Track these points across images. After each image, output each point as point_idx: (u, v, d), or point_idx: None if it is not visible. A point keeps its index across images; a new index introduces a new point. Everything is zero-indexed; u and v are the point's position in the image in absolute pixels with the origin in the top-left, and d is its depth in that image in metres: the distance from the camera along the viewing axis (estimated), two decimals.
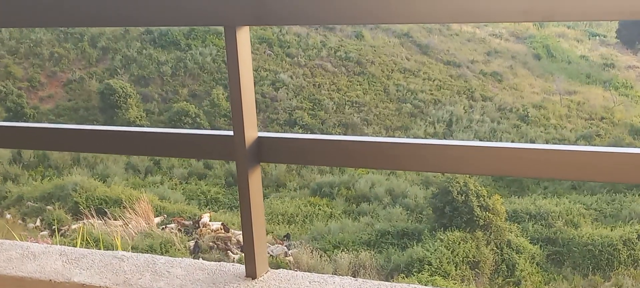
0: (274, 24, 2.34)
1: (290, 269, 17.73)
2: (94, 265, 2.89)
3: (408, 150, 2.40)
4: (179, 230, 19.27)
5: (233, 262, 17.70)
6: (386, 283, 2.58)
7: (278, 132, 32.07)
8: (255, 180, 2.49)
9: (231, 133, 2.48)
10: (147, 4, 2.44)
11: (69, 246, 3.30)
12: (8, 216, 20.19)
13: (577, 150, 2.20)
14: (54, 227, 18.44)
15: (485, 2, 1.97)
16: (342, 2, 2.18)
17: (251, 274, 2.62)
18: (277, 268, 2.72)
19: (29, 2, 2.59)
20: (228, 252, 18.61)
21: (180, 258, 2.90)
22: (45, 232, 18.20)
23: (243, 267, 2.67)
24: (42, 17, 2.64)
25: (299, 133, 31.16)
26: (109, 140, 2.82)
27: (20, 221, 19.98)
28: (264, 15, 2.27)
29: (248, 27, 2.37)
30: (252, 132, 2.45)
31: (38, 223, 19.75)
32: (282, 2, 2.25)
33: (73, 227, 18.58)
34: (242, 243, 15.58)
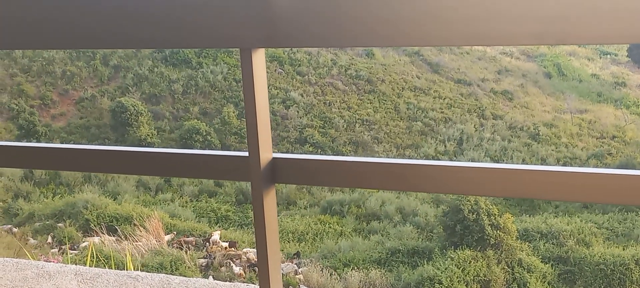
0: (290, 46, 2.36)
1: (301, 287, 17.70)
2: (108, 285, 2.91)
3: (420, 171, 2.41)
4: (181, 248, 19.26)
5: (243, 280, 17.68)
6: None
7: (289, 149, 32.12)
8: (270, 201, 2.50)
9: (246, 154, 2.49)
10: (163, 25, 2.46)
11: (82, 265, 3.32)
12: (15, 230, 20.26)
13: (590, 172, 2.20)
14: (64, 244, 18.52)
15: (499, 26, 1.98)
16: (355, 26, 2.19)
17: None
18: (287, 287, 2.72)
19: (44, 23, 2.62)
20: (234, 268, 18.59)
21: (194, 279, 2.91)
22: (55, 249, 18.25)
23: (257, 286, 2.67)
24: (56, 39, 2.66)
25: (309, 151, 31.18)
26: (124, 161, 2.83)
27: (31, 238, 20.04)
28: (280, 37, 2.29)
29: (263, 49, 2.39)
30: (267, 153, 2.47)
31: (49, 240, 19.80)
32: (297, 25, 2.27)
33: (83, 244, 18.63)
34: (251, 261, 15.61)
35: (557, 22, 1.91)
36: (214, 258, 19.03)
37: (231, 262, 18.91)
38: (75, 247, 18.87)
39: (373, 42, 2.21)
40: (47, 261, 9.09)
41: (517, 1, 1.94)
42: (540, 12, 1.92)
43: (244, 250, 19.79)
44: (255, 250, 19.71)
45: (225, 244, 19.84)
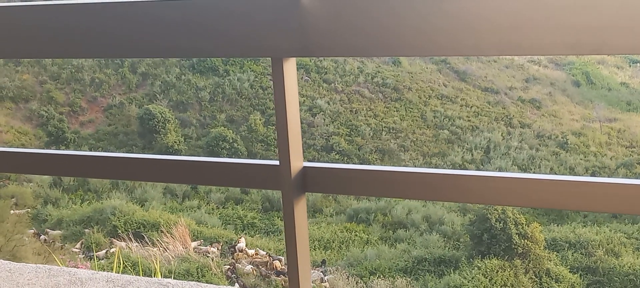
0: (321, 55, 2.37)
1: None
2: None
3: (450, 181, 2.40)
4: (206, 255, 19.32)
5: (254, 278, 17.72)
6: None
7: (315, 157, 32.13)
8: (300, 209, 2.50)
9: (277, 162, 2.50)
10: (194, 35, 2.47)
11: (113, 272, 3.34)
12: (43, 237, 20.43)
13: (619, 183, 2.17)
14: (92, 251, 18.66)
15: (532, 35, 1.97)
16: (387, 35, 2.19)
17: None
18: None
19: (73, 32, 2.65)
20: (267, 278, 18.61)
21: (224, 287, 2.92)
22: (81, 255, 18.37)
23: None
24: (88, 49, 2.68)
25: (336, 159, 31.17)
26: (154, 169, 2.85)
27: (59, 244, 20.22)
28: (311, 47, 2.29)
29: (295, 58, 2.39)
30: (297, 162, 2.47)
31: (78, 246, 19.97)
32: (329, 35, 2.27)
33: (111, 250, 18.76)
34: (277, 269, 15.63)
35: (591, 32, 1.90)
36: (241, 265, 19.07)
37: (242, 262, 18.95)
38: (101, 253, 19.02)
39: (405, 51, 2.20)
40: (76, 267, 9.18)
41: (551, 11, 1.93)
42: (575, 22, 1.91)
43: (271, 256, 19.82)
44: (281, 257, 19.74)
45: (252, 251, 19.89)
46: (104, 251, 18.79)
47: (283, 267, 18.81)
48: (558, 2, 1.93)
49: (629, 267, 20.83)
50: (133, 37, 2.58)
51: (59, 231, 21.91)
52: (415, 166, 32.27)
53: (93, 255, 16.94)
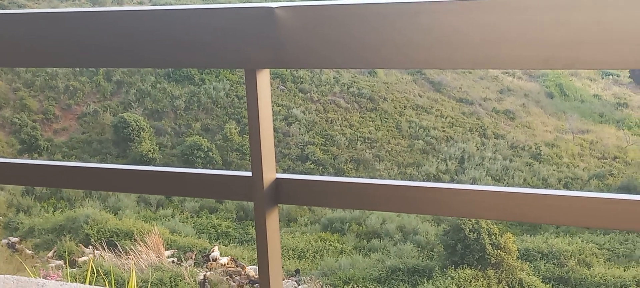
0: (295, 67, 2.36)
1: None
2: None
3: (425, 194, 2.40)
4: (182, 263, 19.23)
5: None
6: None
7: (290, 166, 32.10)
8: (272, 221, 2.49)
9: (249, 174, 2.48)
10: (168, 45, 2.46)
11: (82, 280, 3.30)
12: (27, 251, 20.22)
13: (591, 196, 2.18)
14: (64, 259, 18.48)
15: (506, 50, 1.97)
16: (361, 48, 2.19)
17: None
18: None
19: (47, 42, 2.62)
20: (241, 287, 18.53)
21: None
22: (53, 264, 18.17)
23: None
24: (60, 58, 2.66)
25: (310, 168, 31.16)
26: (125, 179, 2.82)
27: (31, 253, 20.00)
28: (284, 58, 2.28)
29: (268, 69, 2.38)
30: (270, 173, 2.46)
31: (50, 254, 19.77)
32: (303, 46, 2.27)
33: (82, 259, 18.56)
34: (251, 278, 15.57)
35: (564, 47, 1.91)
36: (214, 274, 18.97)
37: (215, 271, 18.87)
38: (74, 261, 18.83)
39: (380, 64, 2.20)
40: (46, 277, 9.06)
41: (525, 26, 1.94)
42: (548, 37, 1.92)
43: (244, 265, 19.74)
44: (255, 267, 19.67)
45: (224, 260, 19.80)
46: (81, 259, 18.60)
47: (256, 276, 18.75)
48: (532, 17, 1.94)
49: (601, 278, 21.01)
50: (108, 47, 2.56)
51: (30, 240, 21.67)
52: (390, 176, 32.33)
53: (66, 264, 16.76)
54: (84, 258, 18.65)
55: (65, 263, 17.58)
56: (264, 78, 2.38)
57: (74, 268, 17.30)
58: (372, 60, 2.19)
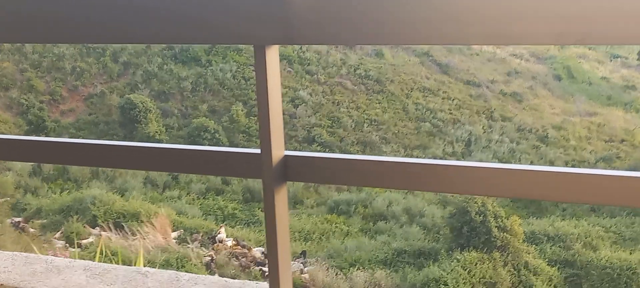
0: (304, 43, 2.35)
1: (307, 287, 17.70)
2: (117, 280, 2.90)
3: (432, 171, 2.40)
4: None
5: (253, 279, 17.70)
6: None
7: (296, 148, 32.10)
8: (281, 199, 2.48)
9: (258, 151, 2.48)
10: (176, 21, 2.45)
11: (91, 260, 3.31)
12: (31, 230, 20.29)
13: (598, 174, 2.18)
14: (72, 240, 18.55)
15: (517, 25, 1.96)
16: (369, 24, 2.18)
17: None
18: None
19: (53, 17, 2.61)
20: (247, 268, 18.60)
21: (203, 276, 2.90)
22: (60, 244, 18.24)
23: (267, 284, 2.66)
24: (66, 34, 2.65)
25: (317, 150, 31.18)
26: (133, 156, 2.82)
27: (39, 233, 20.08)
28: (293, 35, 2.27)
29: (277, 46, 2.37)
30: (279, 150, 2.45)
31: (57, 235, 19.84)
32: (311, 22, 2.26)
33: (85, 241, 18.59)
34: (257, 260, 15.60)
35: (577, 22, 1.89)
36: (220, 255, 19.05)
37: (222, 253, 18.96)
38: (78, 245, 18.91)
39: (388, 40, 2.19)
40: (55, 256, 9.10)
41: (537, 2, 1.92)
42: (561, 11, 1.90)
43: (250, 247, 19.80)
44: (260, 249, 19.73)
45: (230, 242, 19.87)
46: (87, 240, 18.66)
47: (262, 257, 18.81)
48: None
49: (606, 260, 21.01)
50: (113, 23, 2.55)
51: (39, 220, 21.76)
52: (399, 157, 32.27)
53: (74, 244, 16.82)
54: (89, 239, 18.69)
55: (67, 244, 17.64)
56: (272, 55, 2.37)
57: (79, 249, 17.37)
58: (381, 37, 2.18)
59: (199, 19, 2.39)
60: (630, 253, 21.53)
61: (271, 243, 2.54)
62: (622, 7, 1.84)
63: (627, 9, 1.84)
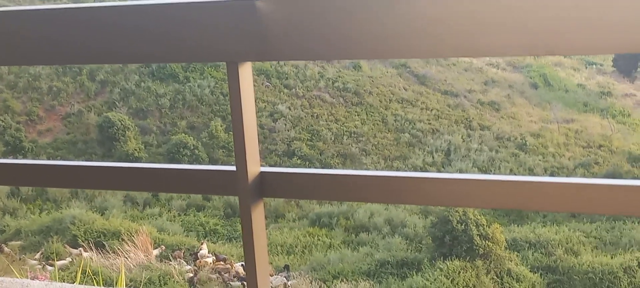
0: (276, 59, 2.35)
1: None
2: None
3: (409, 184, 2.40)
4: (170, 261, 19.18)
5: None
6: None
7: (277, 162, 32.07)
8: (258, 215, 2.48)
9: (233, 168, 2.47)
10: (149, 40, 2.44)
11: (70, 281, 3.28)
12: (6, 249, 20.09)
13: (578, 182, 2.19)
14: (52, 260, 18.36)
15: (488, 38, 1.97)
16: (343, 39, 2.18)
17: None
18: None
19: (27, 40, 2.60)
20: (228, 284, 18.52)
21: None
22: (38, 265, 18.05)
23: None
24: (41, 55, 2.64)
25: (297, 164, 31.16)
26: (109, 176, 2.81)
27: (18, 255, 19.88)
28: (267, 51, 2.27)
29: (250, 62, 2.37)
30: (254, 166, 2.45)
31: (37, 256, 19.65)
32: (284, 38, 2.26)
33: (61, 262, 18.36)
34: (240, 275, 15.55)
35: (546, 33, 1.91)
36: (203, 272, 18.95)
37: (204, 269, 18.89)
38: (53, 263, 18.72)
39: (362, 55, 2.20)
40: (34, 278, 9.01)
41: (505, 13, 1.94)
42: (530, 24, 1.92)
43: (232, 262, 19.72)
44: (243, 263, 19.66)
45: (212, 259, 19.77)
46: (66, 260, 18.48)
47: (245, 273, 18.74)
48: (512, 3, 1.94)
49: (588, 265, 21.13)
50: (88, 43, 2.54)
51: (18, 242, 21.55)
52: (376, 170, 32.36)
53: (54, 264, 16.66)
54: (65, 261, 18.45)
55: (45, 265, 17.46)
56: (246, 71, 2.37)
57: (60, 271, 17.19)
58: (354, 51, 2.19)
59: (171, 38, 2.39)
60: (612, 258, 21.68)
61: (249, 260, 2.53)
62: (589, 18, 1.87)
63: (594, 19, 1.86)
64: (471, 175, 2.34)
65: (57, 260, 18.64)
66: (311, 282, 18.97)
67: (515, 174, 32.28)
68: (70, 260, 18.50)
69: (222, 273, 19.20)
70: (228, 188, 2.58)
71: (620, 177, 30.34)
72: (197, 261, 19.73)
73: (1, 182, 3.13)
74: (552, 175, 32.24)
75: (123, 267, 7.02)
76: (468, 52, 2.01)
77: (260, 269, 2.53)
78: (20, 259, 18.52)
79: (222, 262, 19.72)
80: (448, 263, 20.21)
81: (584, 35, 1.88)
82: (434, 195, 2.37)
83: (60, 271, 16.18)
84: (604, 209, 2.18)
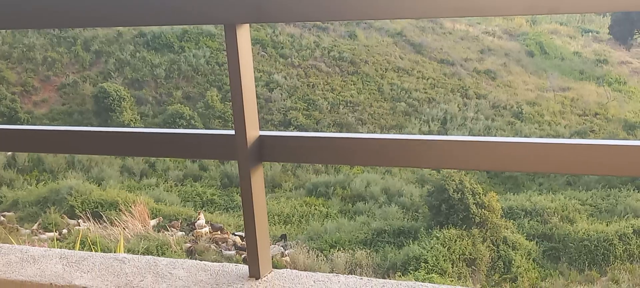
0: (274, 21, 2.33)
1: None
2: (94, 268, 2.88)
3: (406, 146, 2.39)
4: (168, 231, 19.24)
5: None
6: (391, 281, 2.57)
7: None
8: (257, 179, 2.47)
9: (232, 132, 2.46)
10: (146, 3, 2.42)
11: (69, 249, 3.28)
12: (2, 218, 20.13)
13: (574, 143, 2.19)
14: (50, 231, 18.39)
15: None
16: (337, 1, 2.17)
17: (255, 274, 2.60)
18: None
19: (21, 3, 2.57)
20: (223, 252, 18.60)
21: (182, 260, 2.88)
22: (35, 237, 18.11)
23: (246, 267, 2.65)
24: (37, 18, 2.61)
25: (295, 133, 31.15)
26: (108, 142, 2.79)
27: (16, 226, 19.92)
28: (264, 12, 2.26)
29: (248, 25, 2.35)
30: (253, 131, 2.44)
31: (35, 227, 19.69)
32: (280, 1, 2.24)
33: (44, 235, 18.40)
34: (237, 245, 15.59)
35: None
36: (200, 241, 19.03)
37: (202, 239, 18.95)
38: (60, 233, 18.78)
39: (357, 15, 2.18)
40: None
41: None
42: None
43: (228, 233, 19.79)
44: (241, 234, 19.71)
45: (207, 229, 19.83)
46: (43, 235, 18.45)
47: (242, 243, 18.80)
48: None
49: (584, 233, 21.24)
50: (82, 6, 2.52)
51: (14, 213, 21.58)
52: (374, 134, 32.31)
53: (54, 236, 16.73)
54: (49, 234, 18.39)
55: (35, 235, 17.49)
56: (244, 34, 2.35)
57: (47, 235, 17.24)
58: (350, 12, 2.17)
59: (169, 1, 2.37)
60: (607, 225, 21.77)
61: (249, 224, 2.53)
62: None
63: None
64: (467, 138, 2.34)
65: (55, 232, 18.66)
66: (308, 251, 19.05)
67: None
68: (59, 233, 18.51)
69: (219, 243, 19.27)
70: (227, 153, 2.57)
71: None
72: (195, 231, 19.79)
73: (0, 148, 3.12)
74: None
75: (122, 237, 7.02)
76: (469, 11, 1.99)
77: (260, 233, 2.53)
78: (17, 230, 18.57)
79: (218, 232, 19.78)
80: (444, 232, 20.29)
81: None
82: (430, 158, 2.36)
83: (58, 241, 16.20)
84: (598, 169, 2.18)
